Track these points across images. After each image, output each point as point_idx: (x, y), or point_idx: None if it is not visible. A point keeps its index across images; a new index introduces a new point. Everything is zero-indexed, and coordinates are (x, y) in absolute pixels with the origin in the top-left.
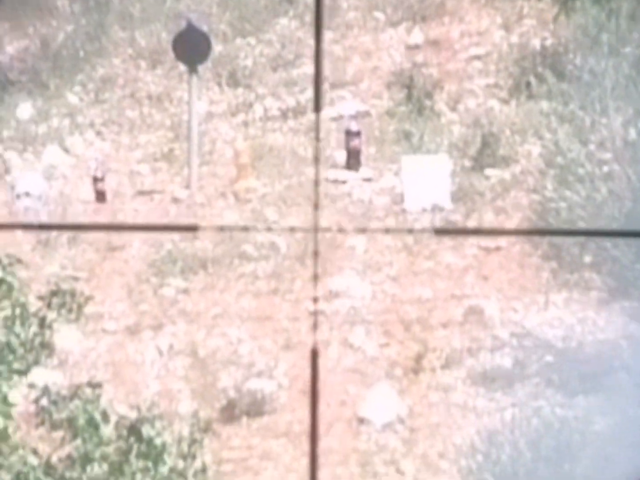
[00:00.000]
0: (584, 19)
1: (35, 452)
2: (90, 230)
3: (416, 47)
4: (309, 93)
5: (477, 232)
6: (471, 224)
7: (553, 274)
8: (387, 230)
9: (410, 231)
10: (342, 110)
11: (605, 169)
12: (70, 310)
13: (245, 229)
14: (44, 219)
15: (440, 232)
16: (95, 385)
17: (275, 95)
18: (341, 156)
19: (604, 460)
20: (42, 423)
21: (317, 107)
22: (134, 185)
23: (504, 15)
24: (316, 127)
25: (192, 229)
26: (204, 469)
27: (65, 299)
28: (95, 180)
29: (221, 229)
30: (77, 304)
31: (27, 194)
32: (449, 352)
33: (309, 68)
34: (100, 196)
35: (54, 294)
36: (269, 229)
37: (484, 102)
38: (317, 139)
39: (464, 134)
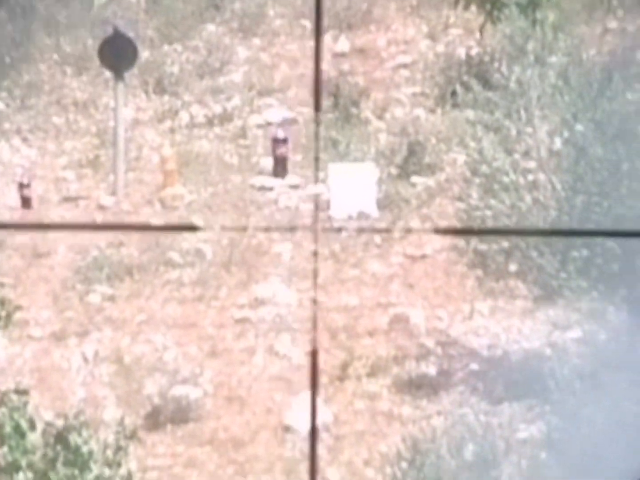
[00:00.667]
0: (510, 28)
1: None
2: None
3: (342, 55)
4: (236, 100)
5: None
6: (397, 231)
7: (478, 282)
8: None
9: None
10: (269, 117)
11: (530, 177)
12: None
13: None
14: None
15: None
16: (22, 392)
17: (202, 103)
18: (268, 163)
19: (527, 468)
20: None
21: (317, 107)
22: (59, 191)
23: (430, 24)
24: (316, 128)
25: (192, 228)
26: (129, 477)
27: None
28: (21, 186)
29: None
30: (6, 311)
31: None
32: (375, 360)
33: (235, 75)
34: (26, 202)
35: None
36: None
37: (410, 111)
38: (317, 137)
39: (390, 142)
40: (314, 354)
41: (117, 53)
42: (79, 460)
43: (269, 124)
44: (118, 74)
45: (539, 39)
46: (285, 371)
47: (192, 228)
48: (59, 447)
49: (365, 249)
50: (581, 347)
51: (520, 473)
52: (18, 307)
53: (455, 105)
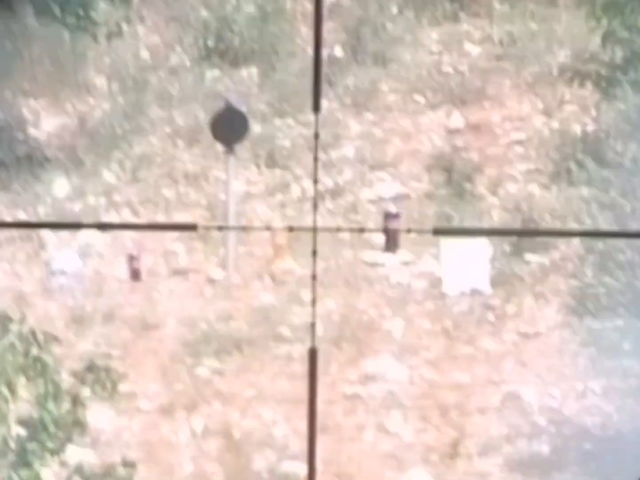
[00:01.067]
0: (626, 105)
1: None
2: None
3: (456, 130)
4: (348, 175)
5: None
6: (511, 308)
7: (591, 360)
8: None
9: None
10: (381, 192)
11: None
12: (104, 388)
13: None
14: (79, 296)
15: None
16: (129, 465)
17: (313, 176)
18: (379, 238)
19: None
20: None
21: (317, 107)
22: (169, 264)
23: (545, 101)
24: (315, 126)
25: (191, 228)
26: None
27: (99, 376)
28: (131, 258)
29: (219, 228)
30: (111, 381)
31: (63, 272)
32: (486, 439)
33: (347, 150)
34: (135, 274)
35: (88, 370)
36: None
37: (524, 187)
38: (316, 137)
39: (504, 218)
40: None
41: (229, 126)
42: None
43: (380, 198)
44: (229, 147)
45: None
46: (396, 448)
47: (191, 227)
48: None
49: (478, 325)
50: None
51: None
52: (123, 376)
53: (569, 183)
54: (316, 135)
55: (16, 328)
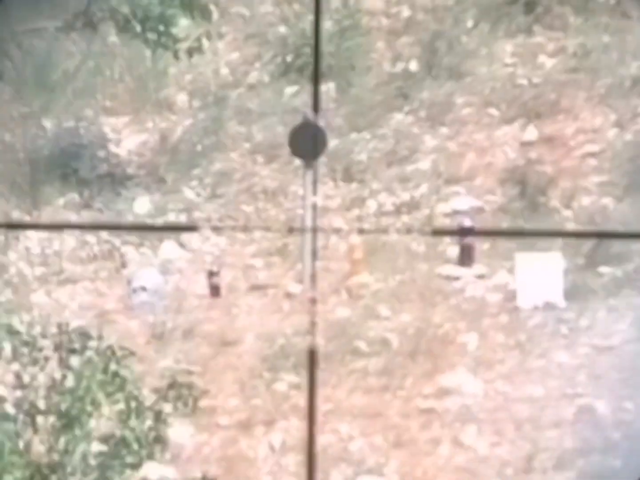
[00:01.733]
0: None
1: None
2: None
3: (530, 143)
4: (423, 189)
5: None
6: (584, 322)
7: None
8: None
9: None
10: (455, 205)
11: None
12: (186, 404)
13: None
14: (160, 313)
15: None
16: None
17: (390, 191)
18: (454, 252)
19: None
20: None
21: (316, 108)
22: (248, 279)
23: (619, 113)
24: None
25: (191, 228)
26: None
27: (181, 392)
28: (211, 274)
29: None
30: (193, 397)
31: (144, 289)
32: (560, 452)
33: (423, 164)
34: (215, 291)
35: (170, 387)
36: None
37: (597, 200)
38: (316, 136)
39: (577, 231)
40: None
41: (307, 141)
42: None
43: (455, 212)
44: (307, 162)
45: None
46: (471, 462)
47: (191, 228)
48: None
49: (552, 339)
50: None
51: None
52: (205, 392)
53: None
54: (315, 141)
55: (95, 344)
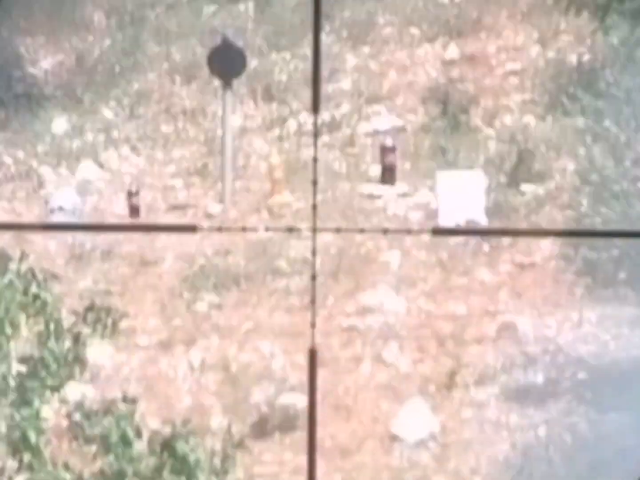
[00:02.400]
0: (621, 35)
1: (67, 467)
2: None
3: (452, 62)
4: (345, 108)
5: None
6: (506, 239)
7: (587, 290)
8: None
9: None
10: (377, 125)
11: None
12: (105, 326)
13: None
14: (78, 234)
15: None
16: (130, 401)
17: (310, 110)
18: (376, 171)
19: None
20: (75, 438)
21: (316, 108)
22: (167, 200)
23: (541, 31)
24: (314, 131)
25: (191, 228)
26: None
27: (100, 315)
28: (130, 195)
29: (218, 229)
30: (112, 319)
31: (61, 209)
32: (482, 368)
33: (344, 83)
34: (134, 211)
35: (89, 309)
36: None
37: (519, 118)
38: (316, 135)
39: (499, 149)
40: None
41: (226, 62)
42: (185, 469)
43: (377, 131)
44: (227, 83)
45: None
46: (393, 379)
47: (191, 228)
48: (165, 456)
49: (474, 257)
50: None
51: None
52: (124, 315)
53: (564, 113)
54: (315, 135)
55: (15, 266)
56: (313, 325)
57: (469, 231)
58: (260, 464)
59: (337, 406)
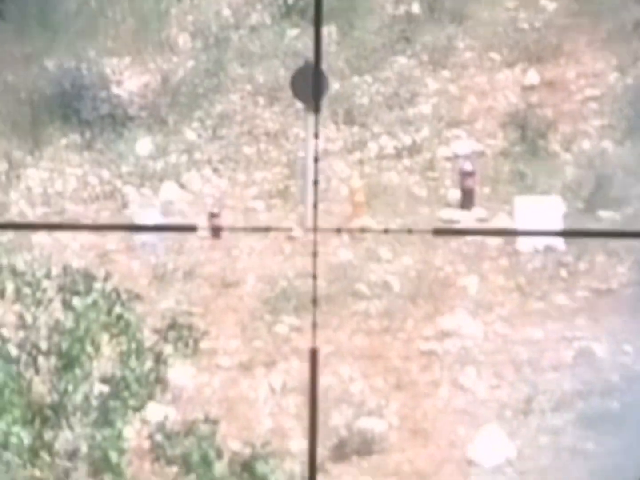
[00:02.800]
0: None
1: None
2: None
3: (531, 87)
4: (425, 132)
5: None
6: (583, 265)
7: None
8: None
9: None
10: (457, 149)
11: None
12: (186, 345)
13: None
14: (161, 254)
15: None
16: (210, 421)
17: (391, 134)
18: (455, 195)
19: None
20: (157, 459)
21: (317, 109)
22: (249, 221)
23: (620, 57)
24: (315, 126)
25: (191, 228)
26: None
27: (182, 333)
28: (212, 216)
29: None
30: (194, 338)
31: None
32: (559, 395)
33: (425, 107)
34: (216, 232)
35: (170, 327)
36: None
37: (597, 144)
38: (316, 136)
39: (577, 175)
40: None
41: (309, 84)
42: None
43: (457, 156)
44: (309, 105)
45: None
46: (470, 404)
47: (191, 228)
48: (245, 477)
49: (551, 282)
50: None
51: None
52: (206, 333)
53: None
54: (316, 135)
55: (100, 286)
56: (314, 325)
57: (479, 232)
58: None
59: (414, 430)
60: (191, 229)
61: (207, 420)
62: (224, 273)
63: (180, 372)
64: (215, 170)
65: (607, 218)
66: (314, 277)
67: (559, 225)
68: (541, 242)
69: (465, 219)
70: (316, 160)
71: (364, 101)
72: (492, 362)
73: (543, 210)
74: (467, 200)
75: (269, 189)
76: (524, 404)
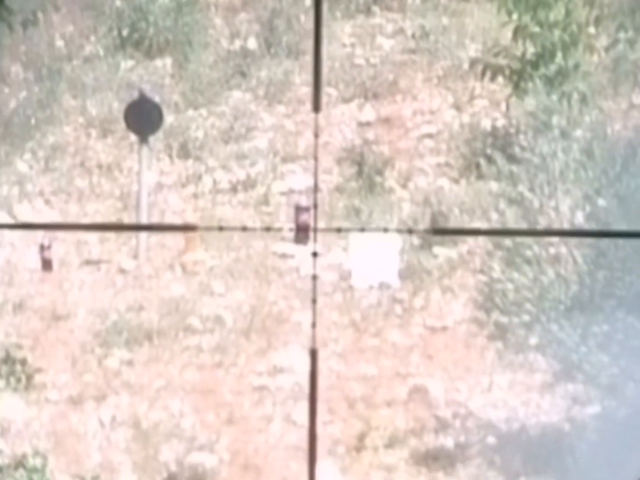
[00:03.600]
0: (536, 101)
1: None
2: None
3: (368, 123)
4: (260, 166)
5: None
6: (418, 302)
7: (498, 355)
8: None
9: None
10: (292, 184)
11: (552, 251)
12: (19, 380)
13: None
14: None
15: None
16: (40, 455)
17: (226, 168)
18: (289, 230)
19: None
20: None
21: (317, 107)
22: (80, 254)
23: (456, 95)
24: (315, 125)
25: (191, 228)
26: None
27: (14, 368)
28: (42, 248)
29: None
30: (26, 374)
31: None
32: (392, 431)
33: (260, 142)
34: (47, 265)
35: (3, 361)
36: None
37: (434, 181)
38: (316, 135)
39: (413, 211)
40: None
41: (143, 117)
42: None
43: (292, 191)
44: (143, 138)
45: (565, 113)
46: (303, 440)
47: (191, 228)
48: None
49: (386, 318)
50: (600, 423)
51: None
52: (37, 370)
53: (479, 177)
54: (316, 134)
55: None
56: (314, 325)
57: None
58: None
59: (246, 466)
60: (191, 228)
61: (36, 453)
62: (55, 306)
63: (8, 405)
64: (47, 202)
65: (443, 255)
66: None
67: (395, 262)
68: (376, 278)
69: (300, 253)
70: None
71: (199, 135)
72: (326, 398)
73: (379, 246)
74: (302, 235)
75: (102, 221)
76: (357, 440)
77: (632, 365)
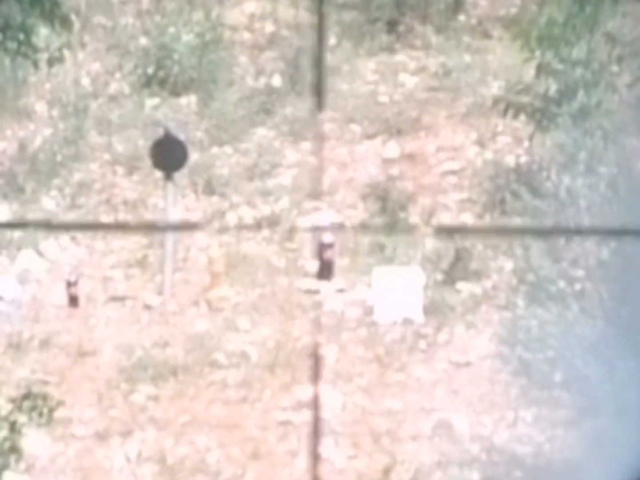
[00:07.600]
0: (560, 137)
1: None
2: None
3: (391, 160)
4: (284, 203)
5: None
6: (442, 337)
7: (522, 390)
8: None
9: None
10: (316, 220)
11: (578, 286)
12: (41, 415)
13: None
14: (17, 322)
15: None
16: None
17: (251, 204)
18: (314, 266)
19: None
20: None
21: (320, 107)
22: (106, 290)
23: (479, 132)
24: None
25: (191, 227)
26: None
27: (37, 403)
28: (69, 284)
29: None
30: (49, 407)
31: (0, 298)
32: (418, 465)
33: (284, 178)
34: (73, 301)
35: (25, 397)
36: None
37: (457, 216)
38: (319, 137)
39: (437, 247)
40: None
41: (168, 154)
42: None
43: (316, 227)
44: (168, 175)
45: (589, 149)
46: (328, 475)
47: (191, 227)
48: None
49: (410, 353)
50: (625, 459)
51: None
52: (61, 403)
53: (503, 213)
54: (318, 137)
55: None
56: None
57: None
58: None
59: None
60: (194, 226)
61: None
62: (80, 342)
63: (34, 441)
64: (73, 238)
65: (467, 290)
66: None
67: (419, 297)
68: (400, 314)
69: (325, 289)
70: None
71: (223, 171)
72: (350, 433)
73: (402, 281)
74: (326, 271)
75: (127, 258)
76: (382, 475)
77: None
